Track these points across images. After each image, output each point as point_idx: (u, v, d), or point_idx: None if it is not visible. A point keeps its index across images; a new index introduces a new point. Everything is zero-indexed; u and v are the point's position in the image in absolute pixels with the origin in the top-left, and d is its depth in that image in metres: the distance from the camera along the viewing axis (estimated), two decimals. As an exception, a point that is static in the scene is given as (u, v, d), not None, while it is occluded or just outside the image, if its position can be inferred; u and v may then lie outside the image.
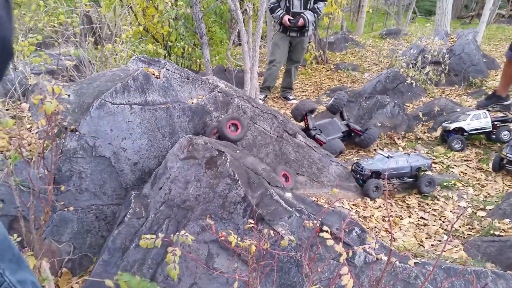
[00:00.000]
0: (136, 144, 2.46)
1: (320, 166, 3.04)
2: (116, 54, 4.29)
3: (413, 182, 3.08)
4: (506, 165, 3.24)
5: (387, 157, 3.05)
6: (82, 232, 2.28)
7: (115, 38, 3.93)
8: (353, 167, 3.15)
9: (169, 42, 6.54)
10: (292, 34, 5.62)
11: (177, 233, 1.11)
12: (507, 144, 3.42)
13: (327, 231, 1.06)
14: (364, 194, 3.01)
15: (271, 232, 1.35)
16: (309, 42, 7.48)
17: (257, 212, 1.91)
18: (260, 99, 5.81)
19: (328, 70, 7.68)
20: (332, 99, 4.00)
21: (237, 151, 2.30)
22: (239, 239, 1.09)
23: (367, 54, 9.07)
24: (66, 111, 2.30)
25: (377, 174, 3.01)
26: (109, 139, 2.37)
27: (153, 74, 2.65)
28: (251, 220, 1.20)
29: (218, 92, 2.73)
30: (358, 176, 3.06)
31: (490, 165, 3.43)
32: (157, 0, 5.46)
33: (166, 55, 7.16)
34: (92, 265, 2.24)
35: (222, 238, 1.10)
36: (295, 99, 6.15)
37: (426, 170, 3.05)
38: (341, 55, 8.88)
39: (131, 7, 6.79)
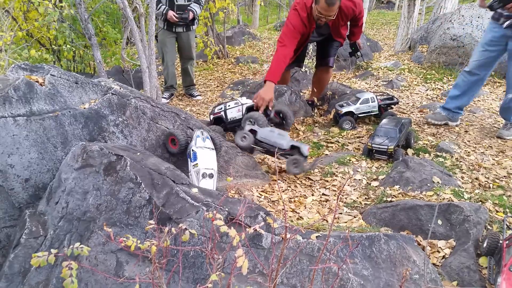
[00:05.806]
0: (25, 159, 2.26)
1: (227, 159, 3.10)
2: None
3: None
4: (374, 154, 3.47)
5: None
6: (-29, 262, 2.06)
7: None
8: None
9: (55, 47, 6.07)
10: (178, 29, 5.53)
11: (71, 246, 1.06)
12: (370, 134, 3.67)
13: (220, 219, 1.10)
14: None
15: (178, 229, 1.35)
16: (207, 36, 7.49)
17: (164, 212, 1.90)
18: (164, 97, 5.70)
19: (229, 64, 7.80)
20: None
21: (138, 153, 2.24)
22: (138, 241, 1.08)
23: (264, 46, 9.38)
24: None
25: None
26: (-7, 157, 2.16)
27: (37, 81, 2.45)
28: (151, 221, 1.19)
29: (112, 94, 2.62)
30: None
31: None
32: (37, 2, 5.01)
33: (56, 60, 6.64)
34: (-12, 297, 2.04)
35: (122, 244, 1.08)
36: (200, 95, 6.14)
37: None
38: (240, 48, 9.06)
39: (7, 11, 6.16)
